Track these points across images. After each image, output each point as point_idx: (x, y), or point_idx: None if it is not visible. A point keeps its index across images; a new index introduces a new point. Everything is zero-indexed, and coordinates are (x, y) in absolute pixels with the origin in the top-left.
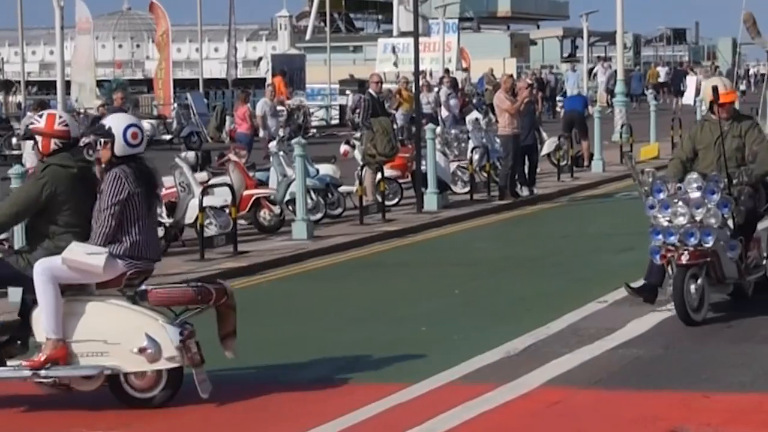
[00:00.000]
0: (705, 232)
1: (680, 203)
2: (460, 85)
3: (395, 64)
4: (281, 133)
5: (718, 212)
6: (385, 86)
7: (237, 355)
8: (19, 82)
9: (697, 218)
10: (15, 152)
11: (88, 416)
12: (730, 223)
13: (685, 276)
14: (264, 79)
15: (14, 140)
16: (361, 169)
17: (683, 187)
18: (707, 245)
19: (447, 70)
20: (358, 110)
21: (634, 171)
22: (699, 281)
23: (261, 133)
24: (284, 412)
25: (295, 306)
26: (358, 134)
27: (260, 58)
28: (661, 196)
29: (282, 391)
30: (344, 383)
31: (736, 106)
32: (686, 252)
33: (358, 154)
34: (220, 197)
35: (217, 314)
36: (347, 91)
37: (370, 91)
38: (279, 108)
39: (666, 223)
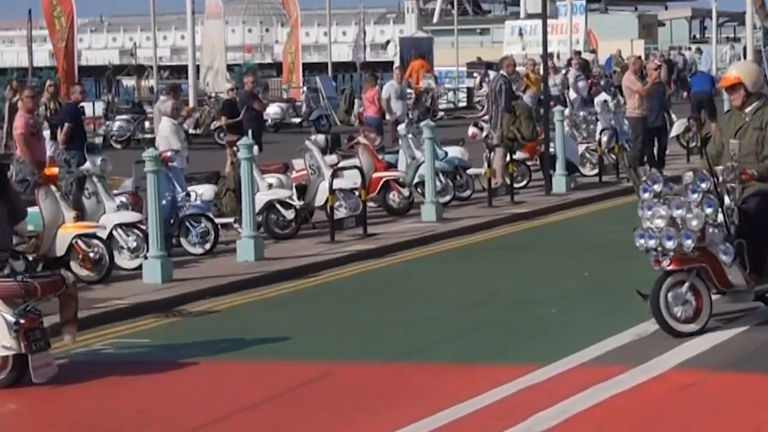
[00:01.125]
0: (685, 235)
1: (662, 204)
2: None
3: (523, 47)
4: (410, 115)
5: (700, 213)
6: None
7: (75, 342)
8: (151, 66)
9: (677, 220)
10: (148, 136)
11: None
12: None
13: (664, 283)
14: (392, 63)
15: (147, 124)
16: (490, 152)
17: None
18: (687, 249)
19: (578, 53)
20: (487, 89)
21: (631, 176)
22: (684, 288)
23: (387, 116)
24: (414, 394)
25: (423, 288)
26: (486, 116)
27: (388, 42)
28: (646, 196)
29: (412, 372)
30: (474, 365)
31: None
32: (667, 257)
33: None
34: (350, 180)
35: (59, 303)
36: (474, 74)
37: (503, 73)
38: (408, 91)
39: (647, 225)
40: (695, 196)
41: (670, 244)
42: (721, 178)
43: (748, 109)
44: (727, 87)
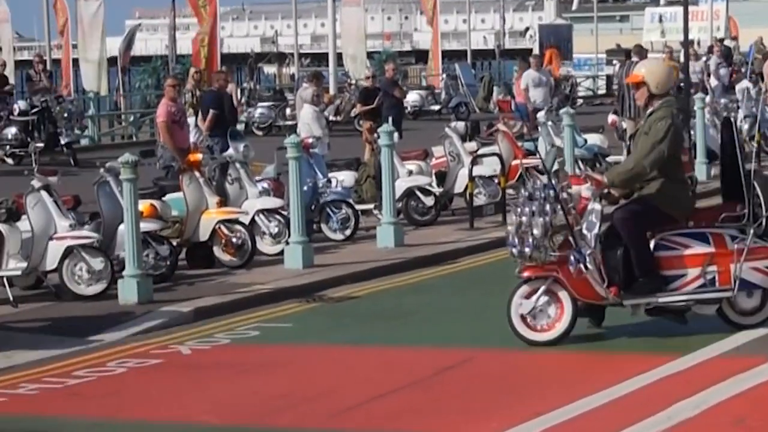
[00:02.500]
0: (526, 243)
1: (517, 209)
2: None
3: (662, 34)
4: (553, 103)
5: (537, 220)
6: (651, 56)
7: None
8: (292, 54)
9: (522, 227)
10: (289, 122)
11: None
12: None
13: (518, 290)
14: (530, 50)
15: (288, 111)
16: (629, 139)
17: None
18: (526, 257)
19: (721, 40)
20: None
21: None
22: (535, 298)
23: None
24: (554, 381)
25: None
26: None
27: (527, 29)
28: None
29: (552, 360)
30: (613, 353)
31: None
32: (521, 264)
33: (625, 124)
34: (489, 167)
35: None
36: (614, 61)
37: (635, 60)
38: (544, 78)
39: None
40: (534, 201)
41: (514, 251)
42: (564, 183)
43: (648, 111)
44: (633, 85)
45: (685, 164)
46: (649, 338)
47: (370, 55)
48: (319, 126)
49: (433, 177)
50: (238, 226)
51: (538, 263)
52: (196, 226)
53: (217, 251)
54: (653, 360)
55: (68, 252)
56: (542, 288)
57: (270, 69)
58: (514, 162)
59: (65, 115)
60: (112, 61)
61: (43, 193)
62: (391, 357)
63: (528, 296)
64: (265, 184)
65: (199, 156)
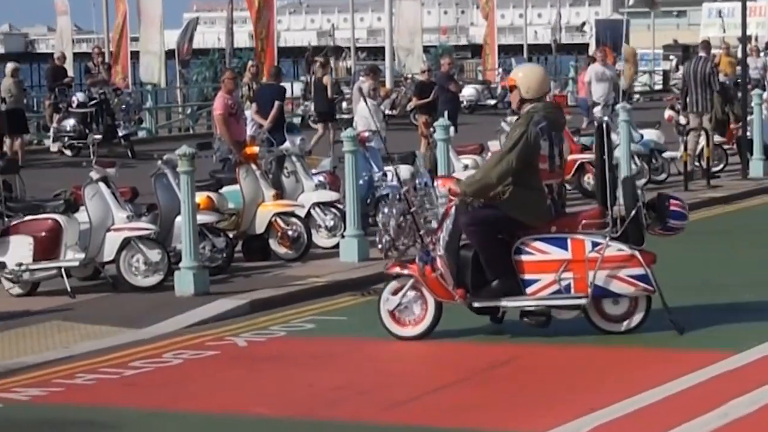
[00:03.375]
0: (382, 241)
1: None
2: None
3: (723, 29)
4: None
5: (391, 219)
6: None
7: None
8: (348, 48)
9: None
10: (345, 116)
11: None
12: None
13: (387, 285)
14: (587, 45)
15: (344, 104)
16: (687, 135)
17: None
18: (381, 252)
19: None
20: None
21: None
22: (401, 294)
23: (589, 98)
24: (608, 378)
25: None
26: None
27: (583, 23)
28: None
29: (605, 356)
30: (668, 350)
31: None
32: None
33: (683, 119)
34: None
35: None
36: (670, 56)
37: (703, 55)
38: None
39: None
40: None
41: (379, 247)
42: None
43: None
44: (508, 88)
45: (544, 171)
46: (704, 335)
47: (426, 49)
48: (376, 120)
49: None
50: (294, 219)
51: (397, 261)
52: (252, 218)
53: (273, 244)
54: (708, 357)
55: (125, 243)
56: (408, 285)
57: None
58: (570, 157)
59: (123, 107)
60: (169, 53)
61: (101, 185)
62: (444, 351)
63: (395, 292)
64: (321, 178)
65: (256, 149)
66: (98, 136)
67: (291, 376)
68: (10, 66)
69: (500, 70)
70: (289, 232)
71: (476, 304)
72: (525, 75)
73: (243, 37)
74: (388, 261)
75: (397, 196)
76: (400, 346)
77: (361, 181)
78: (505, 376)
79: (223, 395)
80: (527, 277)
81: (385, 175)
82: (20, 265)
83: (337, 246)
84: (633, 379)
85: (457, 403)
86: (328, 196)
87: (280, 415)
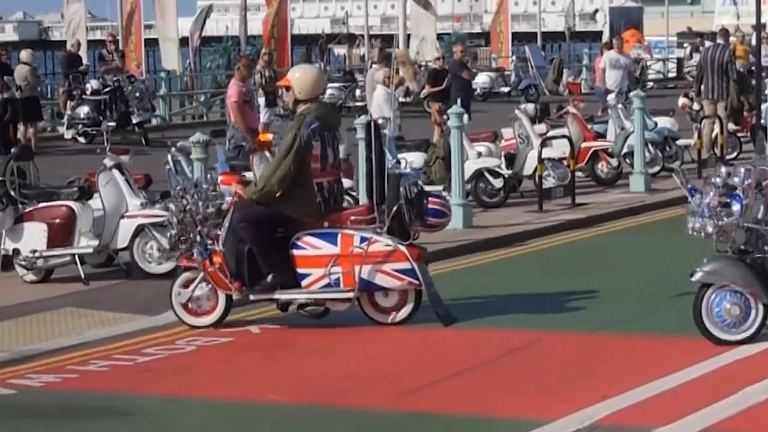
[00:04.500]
0: (170, 234)
1: None
2: None
3: (737, 16)
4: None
5: (173, 216)
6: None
7: None
8: (362, 35)
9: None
10: (359, 103)
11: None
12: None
13: (177, 279)
14: (600, 33)
15: (358, 92)
16: (700, 122)
17: None
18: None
19: None
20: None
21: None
22: (192, 287)
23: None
24: (621, 365)
25: (631, 259)
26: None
27: (596, 11)
28: None
29: (619, 343)
30: (682, 338)
31: None
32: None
33: (696, 106)
34: (559, 149)
35: None
36: (684, 44)
37: (721, 42)
38: (623, 61)
39: None
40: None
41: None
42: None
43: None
44: (284, 88)
45: (315, 170)
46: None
47: (439, 36)
48: (390, 107)
49: (503, 159)
50: None
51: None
52: None
53: None
54: (722, 345)
55: (139, 230)
56: (199, 277)
57: (340, 50)
58: (584, 144)
59: (137, 94)
60: (183, 41)
61: (115, 172)
62: (458, 338)
63: (186, 285)
64: None
65: (269, 136)
66: (112, 124)
67: (303, 363)
68: (25, 53)
69: (514, 57)
70: None
71: (252, 297)
72: (299, 76)
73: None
74: (178, 254)
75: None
76: (412, 334)
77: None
78: (517, 363)
79: (236, 382)
80: (301, 270)
81: (398, 162)
82: (34, 251)
83: None
84: (646, 367)
85: (468, 390)
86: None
87: (292, 402)
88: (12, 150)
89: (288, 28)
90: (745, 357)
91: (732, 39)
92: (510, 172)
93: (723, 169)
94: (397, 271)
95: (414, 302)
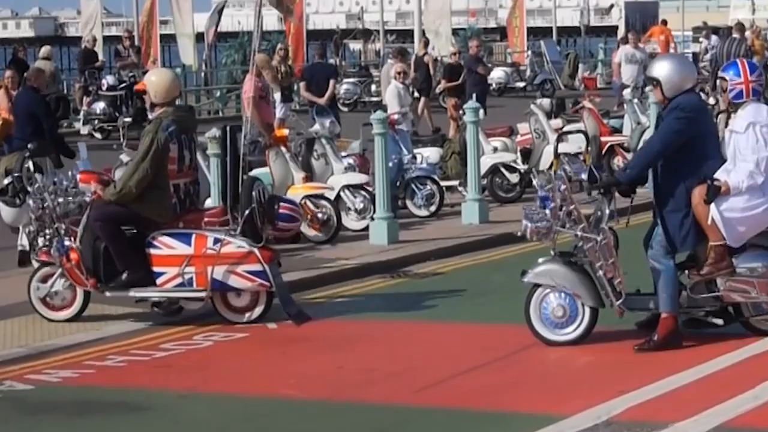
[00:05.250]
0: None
1: None
2: None
3: (753, 10)
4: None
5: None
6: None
7: None
8: (377, 30)
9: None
10: (374, 99)
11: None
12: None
13: (34, 274)
14: (615, 27)
15: (373, 87)
16: (716, 117)
17: None
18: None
19: None
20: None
21: None
22: (51, 282)
23: (618, 81)
24: (636, 360)
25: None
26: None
27: (611, 6)
28: None
29: (634, 338)
30: (701, 332)
31: None
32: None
33: (712, 101)
34: (575, 144)
35: None
36: (700, 39)
37: (736, 36)
38: (638, 56)
39: None
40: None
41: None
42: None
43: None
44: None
45: (172, 171)
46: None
47: (455, 31)
48: (405, 102)
49: (518, 154)
50: (324, 202)
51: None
52: None
53: (303, 226)
54: (740, 339)
55: None
56: (57, 272)
57: (355, 45)
58: (600, 139)
59: None
60: (199, 36)
61: None
62: (474, 334)
63: (44, 280)
64: (351, 160)
65: (285, 131)
66: (128, 119)
67: (320, 358)
68: (45, 50)
69: (529, 52)
70: (319, 215)
71: (108, 294)
72: (154, 80)
73: (272, 20)
74: (37, 249)
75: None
76: (429, 329)
77: (390, 164)
78: (535, 358)
79: (253, 377)
80: (155, 269)
81: (414, 157)
82: None
83: (366, 228)
84: (663, 362)
85: (485, 385)
86: (358, 178)
87: (309, 397)
88: (29, 146)
89: (303, 23)
90: (763, 352)
91: (747, 33)
92: (526, 166)
93: (538, 178)
94: (248, 272)
95: (265, 303)
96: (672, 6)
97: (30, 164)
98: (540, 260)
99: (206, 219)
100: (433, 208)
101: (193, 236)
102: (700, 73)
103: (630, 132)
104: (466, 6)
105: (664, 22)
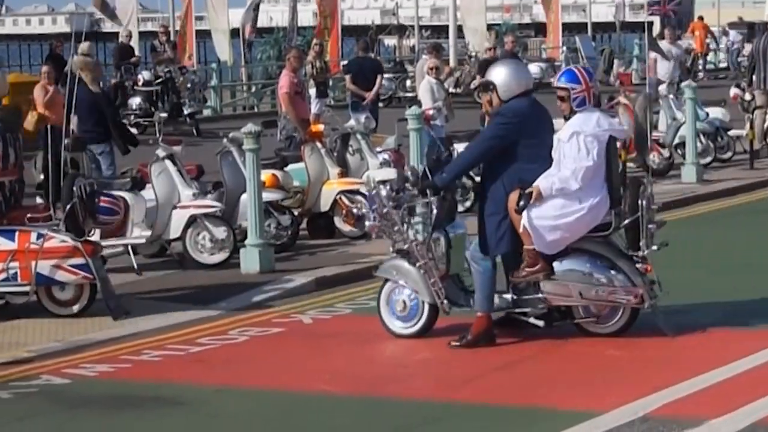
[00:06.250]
0: None
1: None
2: None
3: None
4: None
5: None
6: None
7: None
8: (412, 26)
9: None
10: (409, 94)
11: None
12: None
13: None
14: (651, 23)
15: (408, 83)
16: (752, 113)
17: None
18: None
19: None
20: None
21: None
22: None
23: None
24: (672, 357)
25: (683, 250)
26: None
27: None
28: None
29: (673, 335)
30: (734, 330)
31: None
32: None
33: (748, 96)
34: None
35: None
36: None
37: None
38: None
39: None
40: None
41: None
42: None
43: None
44: None
45: None
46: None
47: (490, 27)
48: (439, 97)
49: None
50: (359, 197)
51: None
52: (317, 196)
53: (338, 222)
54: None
55: (191, 221)
56: None
57: (390, 41)
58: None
59: (188, 85)
60: (234, 32)
61: (168, 163)
62: (510, 328)
63: None
64: (386, 156)
65: (321, 127)
66: (164, 114)
67: (356, 353)
68: (85, 45)
69: (564, 48)
70: (354, 210)
71: None
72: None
73: (307, 16)
74: None
75: None
76: (464, 323)
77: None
78: (569, 354)
79: (289, 372)
80: None
81: (450, 154)
82: None
83: None
84: (698, 358)
85: (521, 381)
86: (393, 173)
87: (344, 392)
88: (65, 141)
89: (338, 19)
90: None
91: None
92: None
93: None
94: (72, 266)
95: (89, 295)
96: (707, 1)
97: (67, 159)
98: (388, 256)
99: (29, 215)
100: (468, 204)
101: (17, 232)
102: (737, 68)
103: (666, 128)
104: (501, 2)
105: (701, 18)
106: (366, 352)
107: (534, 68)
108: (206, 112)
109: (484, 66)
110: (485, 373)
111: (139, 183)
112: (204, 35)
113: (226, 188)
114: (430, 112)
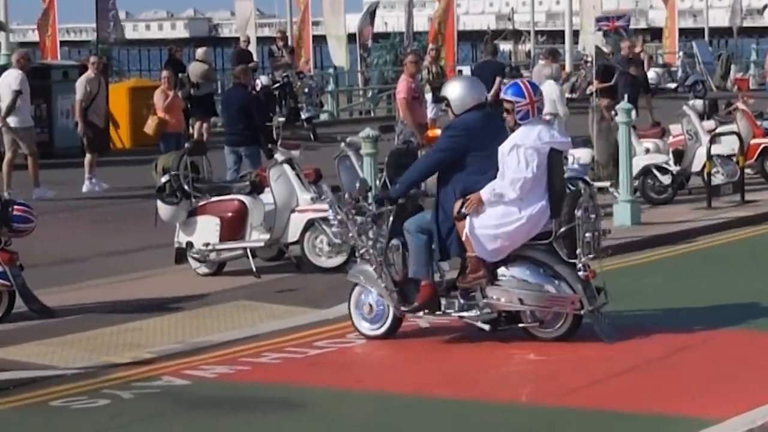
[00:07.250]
0: None
1: None
2: None
3: None
4: None
5: None
6: None
7: None
8: (528, 31)
9: None
10: None
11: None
12: None
13: None
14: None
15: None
16: None
17: None
18: None
19: None
20: None
21: None
22: None
23: None
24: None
25: None
26: None
27: (765, 6)
28: None
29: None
30: None
31: None
32: None
33: None
34: (728, 146)
35: None
36: None
37: None
38: None
39: None
40: None
41: None
42: None
43: None
44: None
45: None
46: None
47: (605, 33)
48: (563, 104)
49: (671, 155)
50: None
51: None
52: None
53: None
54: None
55: (309, 225)
56: None
57: (506, 46)
58: (753, 141)
59: (306, 90)
60: (350, 37)
61: (286, 167)
62: (625, 337)
63: None
64: None
65: (438, 131)
66: (282, 119)
67: (471, 358)
68: (201, 51)
69: (681, 53)
70: None
71: None
72: None
73: (422, 21)
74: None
75: None
76: (580, 330)
77: None
78: (686, 362)
79: (407, 376)
80: None
81: (566, 158)
82: (207, 245)
83: None
84: None
85: (635, 388)
86: None
87: (458, 396)
88: (186, 145)
89: (454, 24)
90: None
91: None
92: (678, 168)
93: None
94: None
95: (8, 302)
96: None
97: (187, 163)
98: (358, 261)
99: None
100: None
101: None
102: None
103: None
104: (617, 6)
105: None
106: (484, 358)
107: (650, 73)
108: (323, 117)
109: (602, 71)
110: (600, 380)
111: (257, 187)
112: (320, 40)
113: (343, 192)
114: (547, 117)
